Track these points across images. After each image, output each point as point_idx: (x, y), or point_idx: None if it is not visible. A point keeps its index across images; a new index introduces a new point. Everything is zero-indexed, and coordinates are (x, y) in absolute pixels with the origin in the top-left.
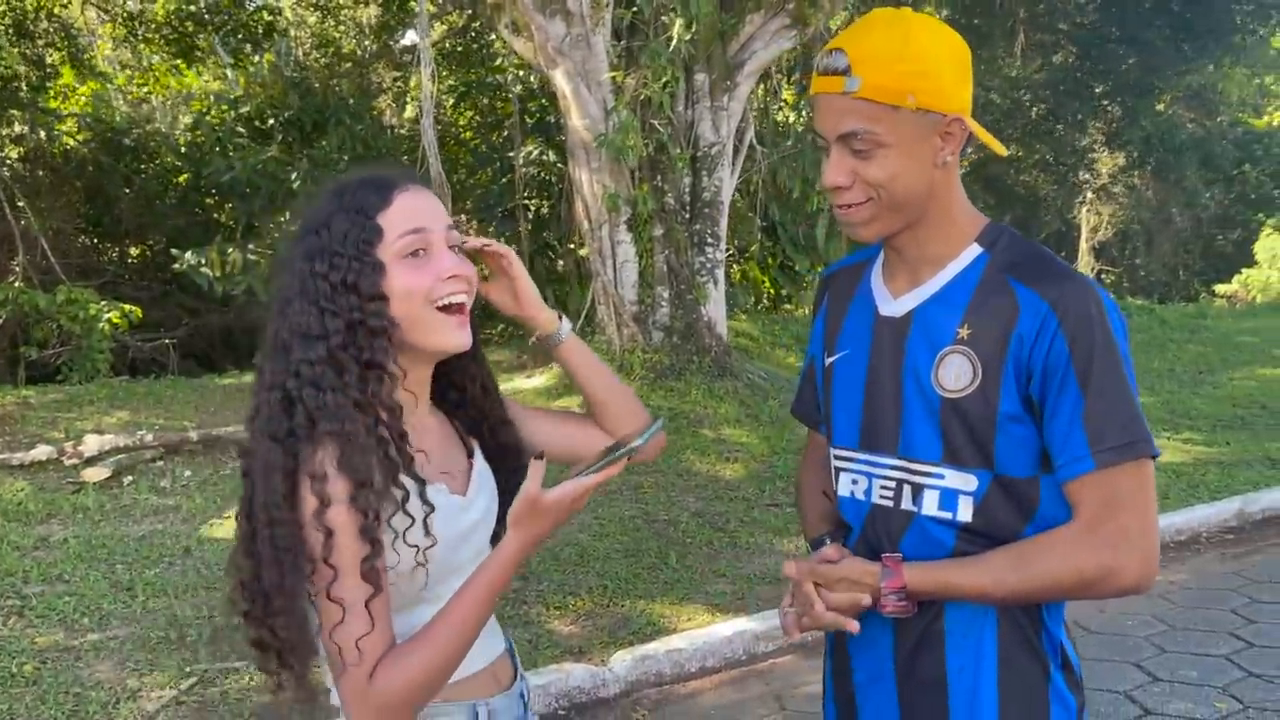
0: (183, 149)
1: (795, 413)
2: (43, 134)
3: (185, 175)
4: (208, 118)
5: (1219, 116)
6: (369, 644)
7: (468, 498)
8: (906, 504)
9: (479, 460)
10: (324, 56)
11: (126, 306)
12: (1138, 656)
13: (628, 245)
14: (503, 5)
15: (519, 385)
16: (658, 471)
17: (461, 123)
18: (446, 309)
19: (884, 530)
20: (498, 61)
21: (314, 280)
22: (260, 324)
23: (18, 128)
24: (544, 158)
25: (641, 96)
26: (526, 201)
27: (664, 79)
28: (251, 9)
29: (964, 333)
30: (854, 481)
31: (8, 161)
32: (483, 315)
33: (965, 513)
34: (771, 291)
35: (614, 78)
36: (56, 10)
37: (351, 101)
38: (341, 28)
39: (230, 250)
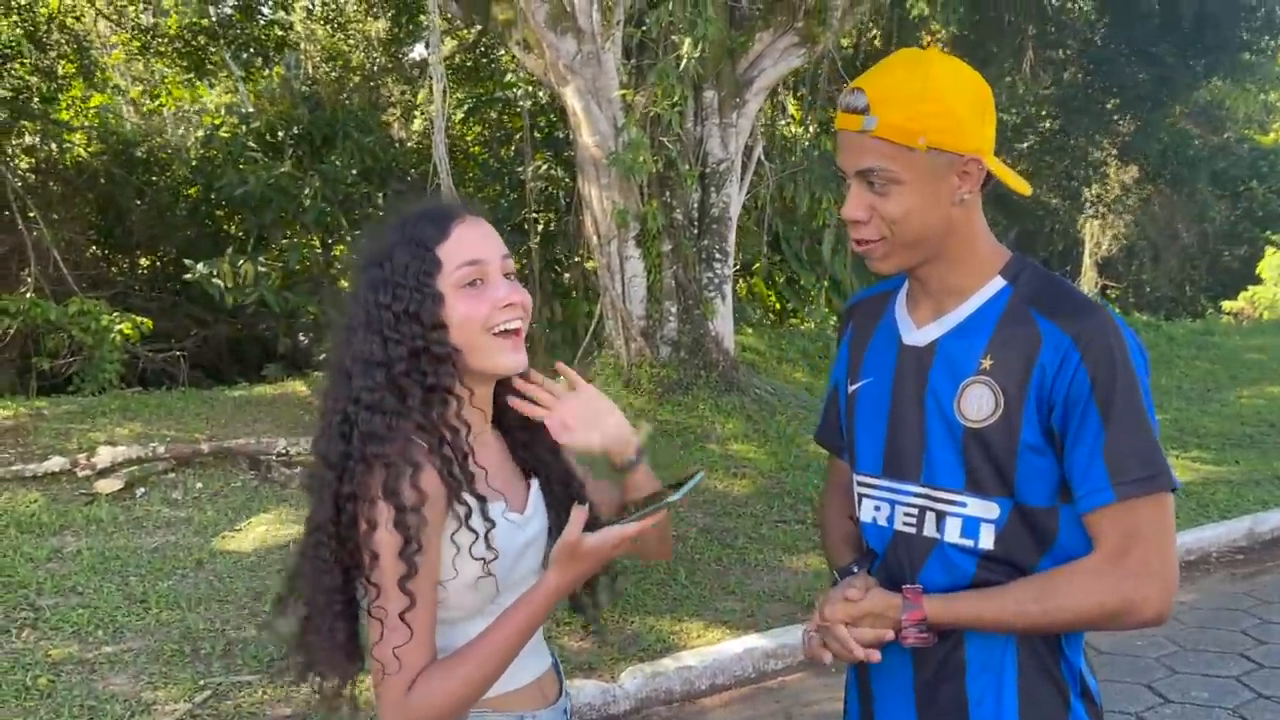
0: (194, 162)
1: (819, 439)
2: (54, 145)
3: (196, 188)
4: (219, 132)
5: (1225, 133)
6: (407, 654)
7: (525, 515)
8: (929, 531)
9: (535, 481)
10: (333, 70)
11: (137, 318)
12: (1149, 678)
13: (636, 260)
14: (514, 22)
15: None
16: None
17: (470, 137)
18: (503, 334)
19: (906, 557)
20: (507, 77)
21: (378, 310)
22: (266, 335)
23: (29, 139)
24: (553, 173)
25: (651, 114)
26: (535, 215)
27: (673, 97)
28: (263, 23)
29: (987, 363)
30: (877, 508)
31: (19, 172)
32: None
33: (987, 540)
34: (777, 306)
35: (624, 95)
36: (69, 22)
37: (360, 114)
38: (351, 41)
39: (242, 262)
